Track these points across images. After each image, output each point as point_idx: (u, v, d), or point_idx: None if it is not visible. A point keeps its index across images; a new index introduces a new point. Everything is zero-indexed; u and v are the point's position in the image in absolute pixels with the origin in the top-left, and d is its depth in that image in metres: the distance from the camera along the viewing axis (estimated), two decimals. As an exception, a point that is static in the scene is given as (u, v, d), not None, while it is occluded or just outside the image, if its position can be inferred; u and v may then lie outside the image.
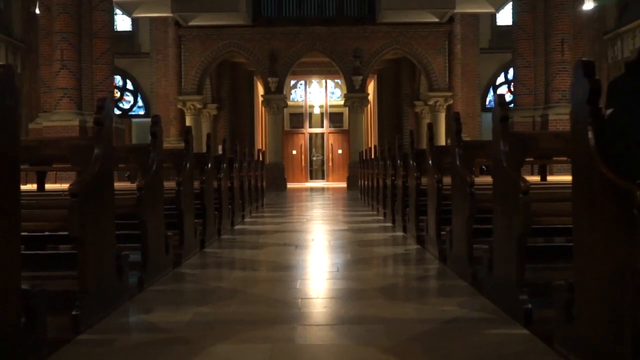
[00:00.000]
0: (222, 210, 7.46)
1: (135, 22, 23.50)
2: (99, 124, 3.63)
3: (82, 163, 3.71)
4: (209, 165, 7.06)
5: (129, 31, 23.91)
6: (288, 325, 3.28)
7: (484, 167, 9.60)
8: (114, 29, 13.92)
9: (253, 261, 5.63)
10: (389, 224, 8.45)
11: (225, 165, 8.17)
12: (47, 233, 4.57)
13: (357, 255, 5.79)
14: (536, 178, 6.94)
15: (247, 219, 9.57)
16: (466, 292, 4.02)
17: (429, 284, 4.66)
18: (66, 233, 3.36)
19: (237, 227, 8.41)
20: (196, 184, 6.43)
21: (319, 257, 5.80)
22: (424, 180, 6.37)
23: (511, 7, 22.97)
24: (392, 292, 4.29)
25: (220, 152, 8.75)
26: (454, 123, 4.98)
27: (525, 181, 3.30)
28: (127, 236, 4.63)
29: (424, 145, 7.15)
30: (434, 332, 3.10)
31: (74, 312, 3.08)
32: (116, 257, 3.76)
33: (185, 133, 6.23)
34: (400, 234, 7.33)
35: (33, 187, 6.39)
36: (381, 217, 9.54)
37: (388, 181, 9.01)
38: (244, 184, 9.62)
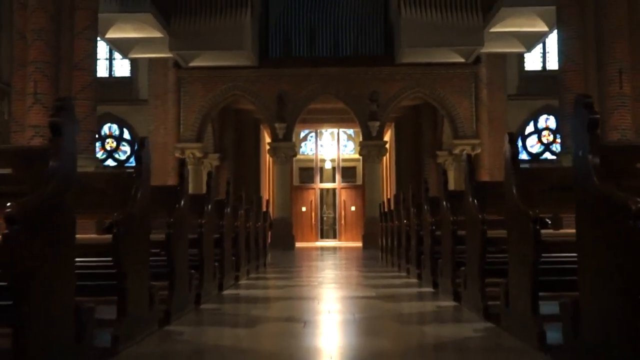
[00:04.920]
0: (203, 271, 5.41)
1: (134, 67, 22.19)
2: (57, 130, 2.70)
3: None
4: (209, 207, 5.71)
5: (127, 77, 22.54)
6: None
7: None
8: (96, 59, 12.27)
9: (233, 352, 3.50)
10: (429, 289, 6.33)
11: (229, 210, 6.54)
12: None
13: (400, 341, 3.68)
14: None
15: (242, 281, 7.46)
16: None
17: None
18: None
19: (226, 292, 6.30)
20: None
21: (339, 343, 3.67)
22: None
23: (541, 48, 21.71)
24: None
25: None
26: (509, 146, 3.90)
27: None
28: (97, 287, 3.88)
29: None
30: None
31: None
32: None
33: (180, 166, 5.06)
34: (450, 303, 5.21)
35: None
36: (414, 280, 7.41)
37: (425, 232, 6.98)
38: (239, 236, 7.57)
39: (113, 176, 4.94)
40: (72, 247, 2.87)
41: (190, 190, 17.89)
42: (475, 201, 4.61)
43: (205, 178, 20.99)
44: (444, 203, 5.68)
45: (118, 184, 4.07)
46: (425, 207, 6.69)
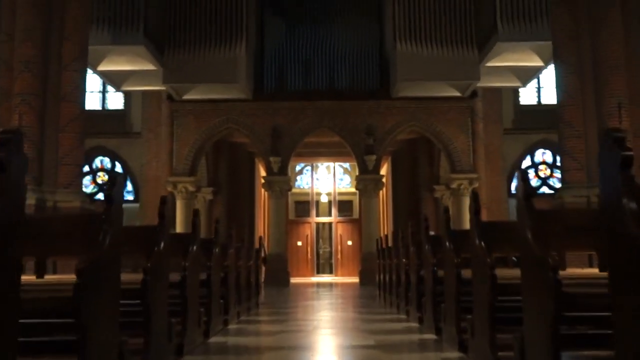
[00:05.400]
0: (187, 317, 5.00)
1: (127, 100, 22.00)
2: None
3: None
4: (194, 248, 5.30)
5: (121, 110, 22.34)
6: None
7: (514, 257, 8.05)
8: (85, 91, 11.96)
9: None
10: (431, 336, 5.92)
11: (217, 250, 6.19)
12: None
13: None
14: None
15: (232, 326, 7.03)
16: None
17: None
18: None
19: (213, 339, 5.87)
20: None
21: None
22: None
23: (536, 83, 21.66)
24: None
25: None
26: (522, 184, 3.51)
27: None
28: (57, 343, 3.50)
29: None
30: None
31: None
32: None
33: (161, 204, 4.58)
34: (455, 354, 4.81)
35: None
36: (415, 324, 6.99)
37: (426, 273, 6.59)
38: (228, 276, 7.17)
39: (81, 219, 4.51)
40: (15, 304, 2.47)
41: (182, 227, 17.41)
42: (483, 243, 4.25)
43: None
44: (447, 243, 5.32)
45: (87, 226, 3.66)
46: (426, 246, 6.33)
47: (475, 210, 4.50)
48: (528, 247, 3.35)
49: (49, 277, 5.08)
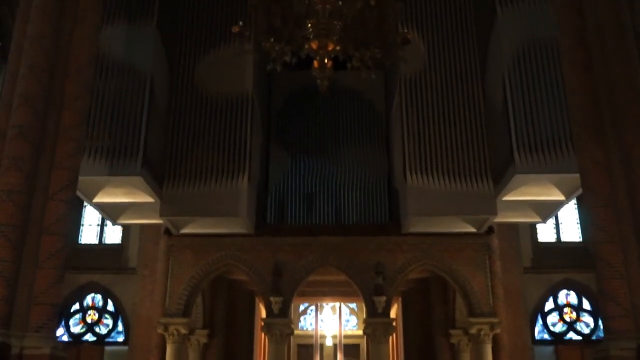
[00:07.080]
0: None
1: (125, 233, 21.08)
2: None
3: None
4: None
5: (117, 244, 21.30)
6: None
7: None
8: (70, 223, 10.97)
9: None
10: None
11: None
12: None
13: None
14: None
15: None
16: None
17: None
18: None
19: None
20: None
21: None
22: None
23: (554, 219, 20.66)
24: None
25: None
26: None
27: None
28: None
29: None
30: None
31: None
32: None
33: None
34: None
35: None
36: None
37: None
38: None
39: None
40: None
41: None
42: None
43: (190, 358, 18.73)
44: None
45: None
46: None
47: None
48: None
49: None
